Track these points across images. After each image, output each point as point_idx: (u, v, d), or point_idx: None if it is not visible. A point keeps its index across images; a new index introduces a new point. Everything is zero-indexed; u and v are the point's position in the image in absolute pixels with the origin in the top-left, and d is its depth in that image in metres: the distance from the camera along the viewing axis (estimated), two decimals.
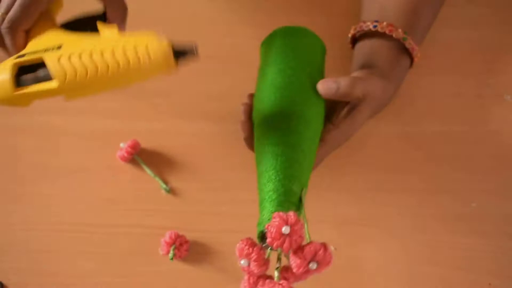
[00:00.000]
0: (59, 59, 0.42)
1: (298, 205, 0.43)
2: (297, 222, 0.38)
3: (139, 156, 0.60)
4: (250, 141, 0.51)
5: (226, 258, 0.56)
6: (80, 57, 0.41)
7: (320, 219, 0.53)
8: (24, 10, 0.46)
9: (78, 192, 0.59)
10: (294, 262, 0.39)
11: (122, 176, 0.60)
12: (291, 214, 0.38)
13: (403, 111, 0.63)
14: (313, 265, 0.39)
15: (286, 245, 0.38)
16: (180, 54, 0.41)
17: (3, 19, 0.47)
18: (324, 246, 0.39)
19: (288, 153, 0.44)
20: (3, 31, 0.47)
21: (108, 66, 0.41)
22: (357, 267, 0.55)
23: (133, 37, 0.42)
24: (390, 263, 0.55)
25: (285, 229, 0.38)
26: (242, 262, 0.40)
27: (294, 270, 0.39)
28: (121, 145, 0.60)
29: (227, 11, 0.70)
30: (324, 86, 0.49)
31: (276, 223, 0.38)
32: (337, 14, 0.69)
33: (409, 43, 0.56)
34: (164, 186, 0.59)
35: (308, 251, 0.39)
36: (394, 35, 0.56)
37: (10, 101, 0.43)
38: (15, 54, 0.46)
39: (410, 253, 0.56)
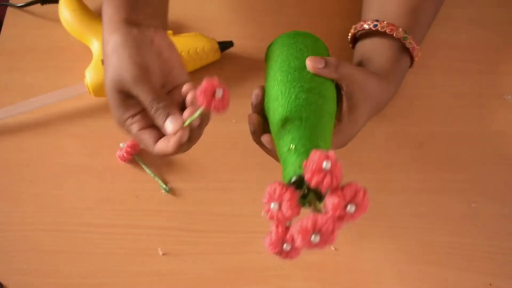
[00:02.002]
0: None
1: None
2: (337, 161, 0.35)
3: (139, 156, 0.60)
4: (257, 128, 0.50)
5: (226, 258, 0.56)
6: None
7: None
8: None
9: (78, 192, 0.59)
10: (331, 202, 0.36)
11: (121, 176, 0.60)
12: (331, 152, 0.36)
13: (403, 111, 0.63)
14: (351, 208, 0.35)
15: (327, 180, 0.35)
16: (223, 47, 0.65)
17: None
18: (364, 189, 0.36)
19: (312, 118, 0.44)
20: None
21: (186, 62, 0.63)
22: (357, 267, 0.55)
23: (189, 39, 0.64)
24: (390, 263, 0.55)
25: (326, 164, 0.35)
26: (272, 205, 0.37)
27: (331, 213, 0.36)
28: (121, 145, 0.60)
29: (227, 11, 0.71)
30: (312, 60, 0.49)
31: (317, 158, 0.35)
32: (338, 15, 0.69)
33: (410, 43, 0.56)
34: (163, 186, 0.59)
35: (348, 190, 0.36)
36: (394, 35, 0.56)
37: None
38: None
39: (410, 253, 0.56)
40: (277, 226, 0.37)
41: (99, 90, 0.61)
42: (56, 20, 0.67)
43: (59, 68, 0.66)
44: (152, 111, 0.46)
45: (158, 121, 0.47)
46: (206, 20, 0.69)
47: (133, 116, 0.48)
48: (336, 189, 0.36)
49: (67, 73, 0.65)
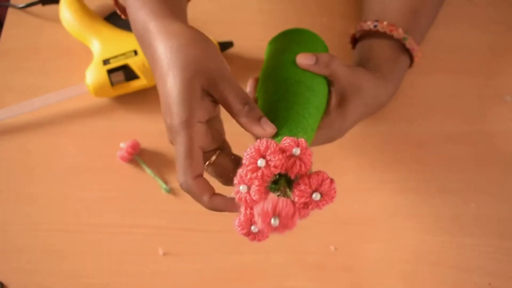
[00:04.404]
0: (143, 64, 0.61)
1: None
2: (307, 148, 0.37)
3: (139, 156, 0.60)
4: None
5: (226, 258, 0.56)
6: None
7: (320, 219, 0.53)
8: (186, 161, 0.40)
9: (78, 192, 0.59)
10: (297, 189, 0.37)
11: (122, 176, 0.60)
12: (302, 139, 0.37)
13: (403, 111, 0.63)
14: (316, 196, 0.37)
15: (295, 167, 0.37)
16: (223, 47, 0.65)
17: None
18: (331, 179, 0.37)
19: (296, 110, 0.45)
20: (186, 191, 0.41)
21: None
22: (357, 267, 0.55)
23: None
24: (390, 262, 0.55)
25: (295, 150, 0.36)
26: (241, 188, 0.37)
27: (296, 199, 0.37)
28: (121, 145, 0.60)
29: (227, 11, 0.71)
30: (303, 57, 0.49)
31: (286, 144, 0.37)
32: (338, 15, 0.69)
33: (410, 43, 0.56)
34: (164, 186, 0.59)
35: (315, 178, 0.37)
36: (394, 35, 0.56)
37: (108, 96, 0.63)
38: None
39: (409, 253, 0.56)
40: (245, 208, 0.38)
41: (99, 90, 0.61)
42: (57, 20, 0.67)
43: (60, 69, 0.66)
44: (244, 109, 0.41)
45: (249, 121, 0.41)
46: (206, 20, 0.69)
47: (201, 122, 0.41)
48: (304, 176, 0.37)
49: (68, 74, 0.65)
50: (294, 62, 0.49)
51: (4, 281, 0.54)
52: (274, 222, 0.35)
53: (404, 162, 0.60)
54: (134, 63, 0.61)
